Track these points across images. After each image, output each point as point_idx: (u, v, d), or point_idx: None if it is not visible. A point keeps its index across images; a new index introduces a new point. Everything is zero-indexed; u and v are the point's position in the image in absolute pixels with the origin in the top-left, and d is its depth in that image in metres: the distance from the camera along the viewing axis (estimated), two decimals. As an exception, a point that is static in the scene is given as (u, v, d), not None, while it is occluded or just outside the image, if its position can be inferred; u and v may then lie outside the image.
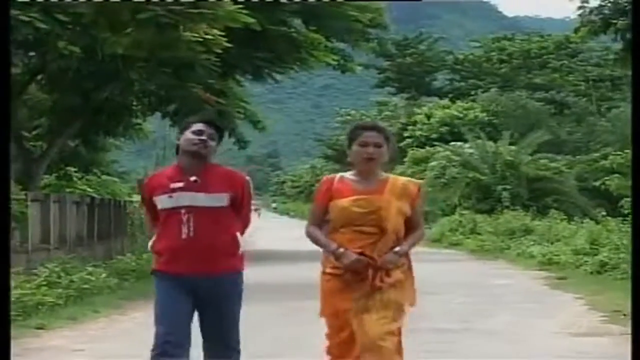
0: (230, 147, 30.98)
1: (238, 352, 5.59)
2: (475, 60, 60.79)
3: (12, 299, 11.59)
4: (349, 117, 65.27)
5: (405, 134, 50.70)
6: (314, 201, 5.66)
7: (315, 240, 5.54)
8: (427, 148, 45.73)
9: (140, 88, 22.07)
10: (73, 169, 26.73)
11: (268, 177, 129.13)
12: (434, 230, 34.69)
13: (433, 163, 40.23)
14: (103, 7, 16.85)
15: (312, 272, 6.16)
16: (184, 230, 5.40)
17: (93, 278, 15.21)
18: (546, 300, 14.93)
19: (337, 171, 6.26)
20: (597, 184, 32.19)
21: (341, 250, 5.40)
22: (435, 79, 64.37)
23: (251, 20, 18.75)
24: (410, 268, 5.61)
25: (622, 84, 49.19)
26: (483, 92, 53.88)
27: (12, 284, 12.41)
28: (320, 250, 5.59)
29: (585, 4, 22.18)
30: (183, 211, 5.42)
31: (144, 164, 58.68)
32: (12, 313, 11.17)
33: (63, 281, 14.14)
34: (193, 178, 5.45)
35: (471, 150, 37.96)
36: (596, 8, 21.78)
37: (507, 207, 33.20)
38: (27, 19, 15.86)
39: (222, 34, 17.75)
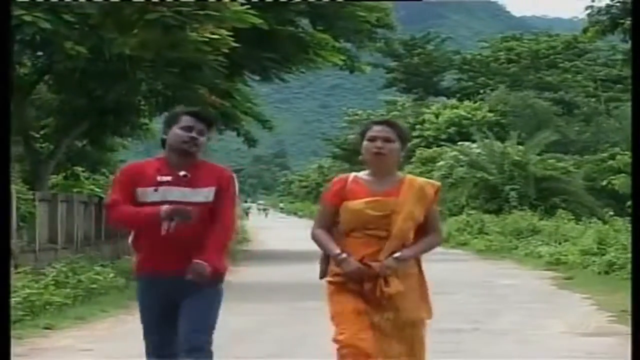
0: (239, 147, 31.00)
1: (207, 351, 5.16)
2: (483, 60, 60.76)
3: (20, 299, 11.63)
4: (356, 117, 65.35)
5: (414, 134, 50.70)
6: (323, 202, 5.27)
7: (319, 243, 5.16)
8: (435, 148, 45.74)
9: (147, 88, 22.08)
10: (80, 169, 26.77)
11: (276, 177, 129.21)
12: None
13: (441, 163, 40.23)
14: (110, 8, 16.90)
15: (318, 273, 6.05)
16: (164, 226, 5.10)
17: (101, 278, 15.22)
18: (554, 300, 14.91)
19: (345, 171, 5.91)
20: (604, 183, 32.15)
21: (343, 256, 5.02)
22: (443, 78, 64.35)
23: (258, 20, 18.77)
24: (422, 277, 5.21)
25: (630, 84, 49.06)
26: (492, 90, 53.85)
27: (20, 283, 12.46)
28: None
29: (594, 4, 22.15)
30: (166, 206, 5.13)
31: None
32: (20, 313, 11.22)
33: (71, 281, 14.15)
34: (182, 173, 5.18)
35: (479, 150, 37.93)
36: (604, 8, 21.74)
37: (514, 207, 33.18)
38: (31, 19, 15.88)
39: (230, 34, 17.76)
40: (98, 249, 21.02)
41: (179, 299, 5.17)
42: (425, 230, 5.18)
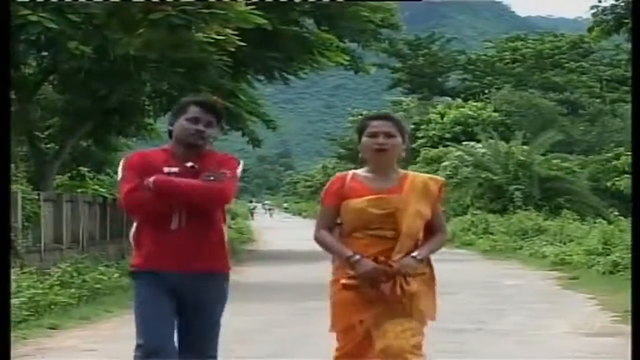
0: (243, 147, 30.99)
1: (214, 358, 5.07)
2: (488, 60, 60.77)
3: (25, 299, 11.65)
4: (361, 117, 65.21)
5: (419, 134, 50.69)
6: (323, 202, 5.03)
7: (326, 246, 4.93)
8: (440, 148, 45.73)
9: (152, 88, 22.12)
10: (85, 169, 26.82)
11: (280, 177, 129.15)
12: (445, 230, 34.65)
13: (446, 163, 40.23)
14: (115, 8, 16.91)
15: (323, 273, 5.85)
16: (175, 220, 4.92)
17: (105, 278, 15.22)
18: (558, 300, 14.89)
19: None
20: (609, 184, 32.13)
21: (357, 257, 4.77)
22: (448, 79, 64.35)
23: (263, 20, 18.77)
24: (432, 278, 5.04)
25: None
26: (497, 90, 53.85)
27: (25, 283, 12.48)
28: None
29: (599, 4, 22.13)
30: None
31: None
32: (25, 313, 11.24)
33: (76, 281, 14.17)
34: (190, 164, 4.97)
35: (484, 150, 37.95)
36: (609, 8, 21.73)
37: (519, 207, 33.16)
38: (36, 18, 15.91)
39: (234, 33, 17.78)
40: (103, 249, 21.05)
41: (185, 297, 4.97)
42: (431, 229, 5.00)
